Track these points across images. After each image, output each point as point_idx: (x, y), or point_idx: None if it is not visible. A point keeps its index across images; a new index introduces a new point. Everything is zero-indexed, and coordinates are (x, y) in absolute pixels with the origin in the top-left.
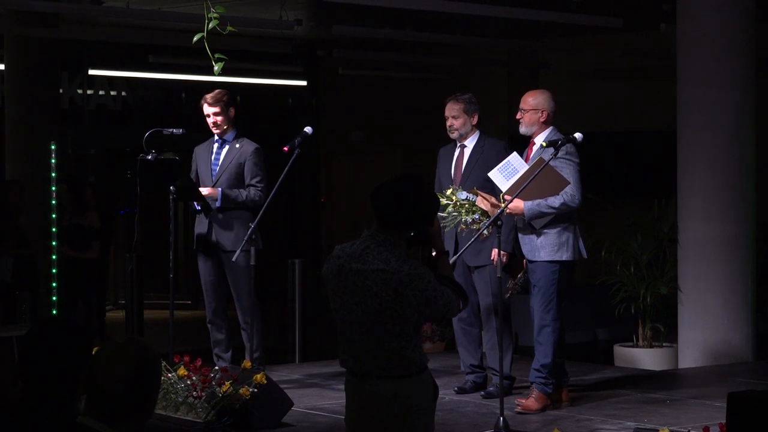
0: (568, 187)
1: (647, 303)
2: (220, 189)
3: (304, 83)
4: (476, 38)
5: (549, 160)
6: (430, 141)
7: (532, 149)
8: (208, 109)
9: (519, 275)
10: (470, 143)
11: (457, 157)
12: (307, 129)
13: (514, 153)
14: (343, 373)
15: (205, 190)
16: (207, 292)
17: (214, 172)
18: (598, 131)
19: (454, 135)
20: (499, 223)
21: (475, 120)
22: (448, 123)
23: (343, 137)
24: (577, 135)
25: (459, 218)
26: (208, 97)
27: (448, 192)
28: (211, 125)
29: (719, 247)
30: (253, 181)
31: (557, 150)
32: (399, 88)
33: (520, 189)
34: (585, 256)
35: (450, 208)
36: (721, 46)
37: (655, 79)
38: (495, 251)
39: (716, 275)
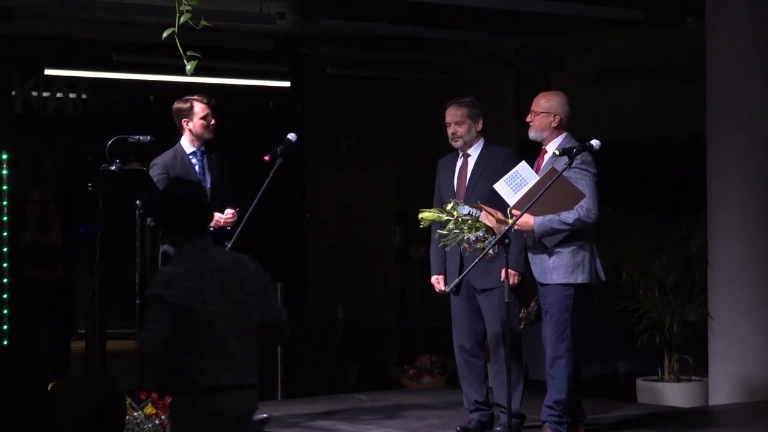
0: (583, 201)
1: (674, 331)
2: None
3: (287, 84)
4: (481, 34)
5: (563, 171)
6: (430, 149)
7: (543, 158)
8: (206, 110)
9: (532, 303)
10: (474, 152)
11: (460, 167)
12: (291, 136)
13: (523, 162)
14: (330, 410)
15: (223, 216)
16: None
17: (206, 188)
18: (618, 138)
19: (457, 143)
20: (506, 241)
21: (479, 126)
22: (451, 130)
23: (331, 145)
24: (594, 142)
25: (461, 236)
26: (203, 97)
27: (449, 206)
28: (211, 130)
29: (755, 268)
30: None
31: (572, 159)
32: (395, 90)
33: (530, 203)
34: (603, 278)
35: (451, 225)
36: (755, 41)
37: (682, 80)
38: (511, 272)
39: (752, 299)
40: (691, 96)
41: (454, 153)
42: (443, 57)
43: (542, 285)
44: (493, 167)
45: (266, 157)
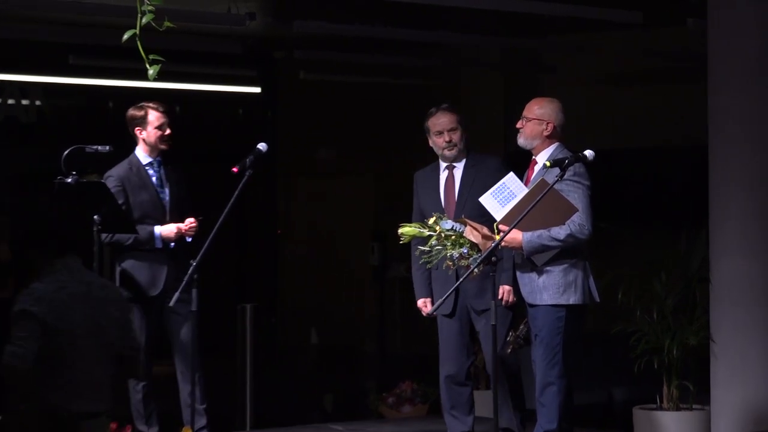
0: (575, 215)
1: (673, 356)
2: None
3: (257, 90)
4: (465, 35)
5: (554, 183)
6: (410, 159)
7: (533, 169)
8: (162, 118)
9: (521, 325)
10: (459, 163)
11: (446, 180)
12: (262, 146)
13: (511, 173)
14: None
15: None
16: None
17: (165, 201)
18: (613, 148)
19: (453, 152)
20: (493, 259)
21: (466, 135)
22: (446, 138)
23: (305, 156)
24: (588, 152)
25: (444, 252)
26: (159, 105)
27: (431, 221)
28: (166, 140)
29: (761, 288)
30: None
31: (563, 171)
32: (373, 96)
33: (519, 218)
34: (597, 299)
35: (433, 241)
36: (761, 42)
37: (682, 85)
38: (502, 288)
39: (757, 322)
40: (691, 102)
41: (433, 165)
42: (425, 61)
43: (531, 306)
44: (482, 179)
45: (234, 169)
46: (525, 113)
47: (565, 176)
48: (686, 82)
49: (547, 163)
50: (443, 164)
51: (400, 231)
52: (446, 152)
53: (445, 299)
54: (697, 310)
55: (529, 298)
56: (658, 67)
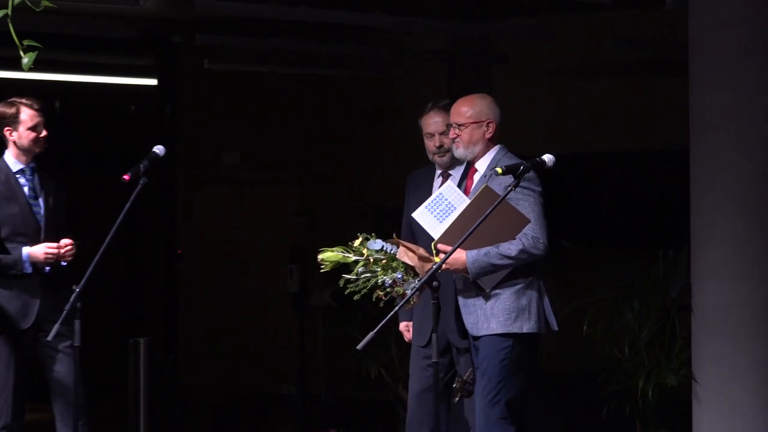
0: (527, 228)
1: (648, 399)
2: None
3: (153, 82)
4: (404, 19)
5: (507, 193)
6: (336, 166)
7: (473, 178)
8: (36, 118)
9: (469, 370)
10: (457, 173)
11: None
12: (158, 149)
13: (449, 182)
14: None
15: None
16: (5, 387)
17: (39, 215)
18: (577, 152)
19: (444, 159)
20: (434, 284)
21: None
22: (436, 142)
23: (211, 160)
24: (547, 157)
25: (374, 280)
26: (34, 102)
27: (357, 242)
28: (41, 143)
29: (750, 318)
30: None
31: (518, 179)
32: (292, 90)
33: (466, 235)
34: (555, 328)
35: (360, 267)
36: (752, 29)
37: (659, 78)
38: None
39: (746, 358)
40: (670, 98)
41: (429, 167)
42: (355, 48)
43: (476, 338)
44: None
45: (126, 177)
46: (455, 119)
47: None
48: (664, 75)
49: (499, 170)
50: (438, 170)
51: (320, 257)
52: (437, 158)
53: (370, 337)
54: (677, 344)
55: (473, 330)
56: (630, 58)
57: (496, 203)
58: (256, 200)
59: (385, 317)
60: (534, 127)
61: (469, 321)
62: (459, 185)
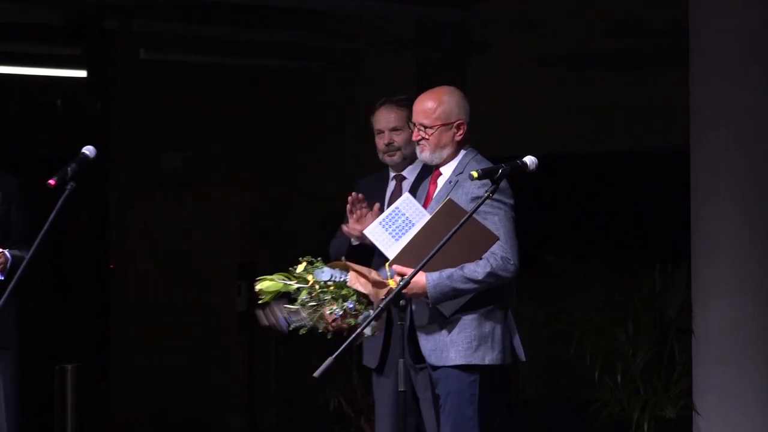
0: (496, 246)
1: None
2: (7, 251)
3: (83, 74)
4: (370, 3)
5: (481, 203)
6: (292, 170)
7: (436, 183)
8: None
9: None
10: (411, 174)
11: (392, 195)
12: (88, 150)
13: (407, 194)
14: None
15: None
16: None
17: None
18: (564, 153)
19: (394, 158)
20: (402, 302)
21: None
22: (384, 139)
23: (148, 162)
24: (529, 159)
25: (320, 311)
26: None
27: (300, 268)
28: None
29: (758, 342)
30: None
31: (497, 183)
32: (238, 83)
33: (426, 259)
34: (523, 358)
35: (304, 295)
36: (760, 18)
37: (656, 72)
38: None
39: (754, 385)
40: (669, 95)
41: (382, 172)
42: (316, 37)
43: (435, 369)
44: (440, 195)
45: (51, 181)
46: (419, 119)
47: (480, 193)
48: (661, 69)
49: (474, 174)
50: (392, 173)
51: (257, 287)
52: (386, 158)
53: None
54: (676, 371)
55: (430, 358)
56: (624, 48)
57: (462, 220)
58: (201, 208)
59: (346, 340)
60: (515, 126)
61: (426, 347)
62: (418, 190)
